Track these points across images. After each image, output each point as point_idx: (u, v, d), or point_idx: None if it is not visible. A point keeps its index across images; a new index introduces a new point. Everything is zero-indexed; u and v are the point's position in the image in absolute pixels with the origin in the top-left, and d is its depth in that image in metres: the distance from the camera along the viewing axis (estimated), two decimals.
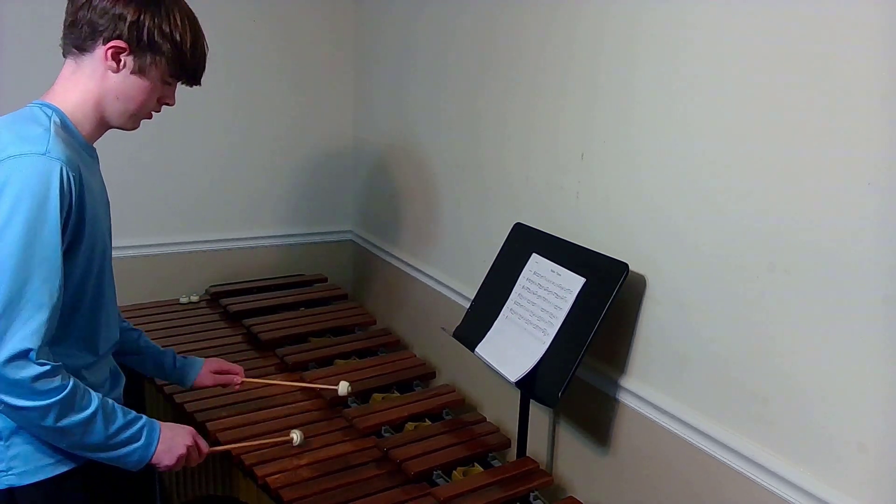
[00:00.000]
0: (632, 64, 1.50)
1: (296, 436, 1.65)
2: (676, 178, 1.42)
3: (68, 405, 1.17)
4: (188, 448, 1.34)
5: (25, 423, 1.19)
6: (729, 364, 1.34)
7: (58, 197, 1.13)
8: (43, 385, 1.14)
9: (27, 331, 1.12)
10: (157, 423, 1.31)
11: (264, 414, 1.81)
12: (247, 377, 1.76)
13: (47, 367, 1.14)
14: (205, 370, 1.68)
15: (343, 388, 1.76)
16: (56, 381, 1.16)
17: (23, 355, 1.12)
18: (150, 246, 2.51)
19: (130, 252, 2.46)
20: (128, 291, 2.34)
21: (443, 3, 2.16)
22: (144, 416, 1.29)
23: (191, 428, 1.38)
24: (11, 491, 1.24)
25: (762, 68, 1.24)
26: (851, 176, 1.11)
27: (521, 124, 1.86)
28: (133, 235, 2.46)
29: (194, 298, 2.49)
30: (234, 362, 2.07)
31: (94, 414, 1.20)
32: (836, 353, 1.16)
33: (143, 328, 2.22)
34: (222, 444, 1.64)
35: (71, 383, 1.18)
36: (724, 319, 1.35)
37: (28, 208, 1.12)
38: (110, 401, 1.25)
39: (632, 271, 1.49)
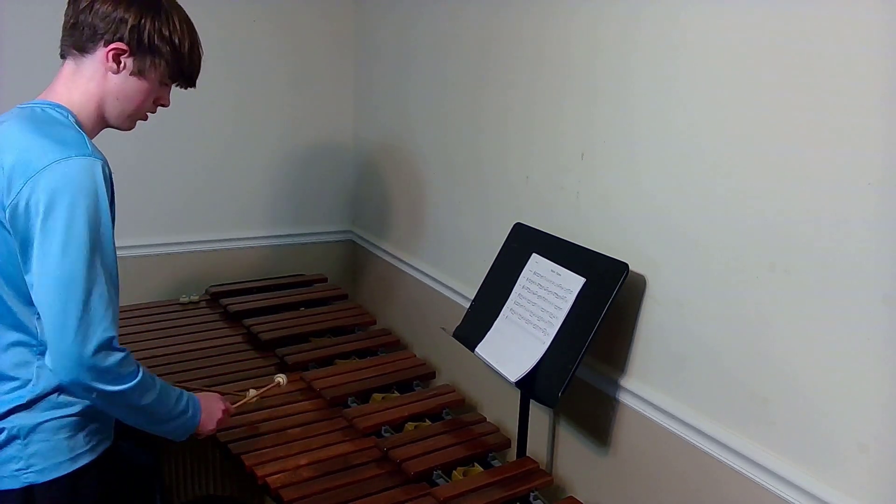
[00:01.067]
0: (631, 64, 1.50)
1: (280, 379, 1.82)
2: (677, 178, 1.42)
3: (148, 383, 1.29)
4: (224, 412, 1.51)
5: (116, 407, 1.28)
6: (729, 364, 1.34)
7: (105, 193, 1.21)
8: (126, 368, 1.25)
9: (107, 321, 1.21)
10: (193, 395, 1.45)
11: (264, 414, 1.81)
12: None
13: (126, 352, 1.25)
14: None
15: (282, 380, 1.85)
16: (133, 363, 1.27)
17: (107, 344, 1.21)
18: (150, 246, 2.51)
19: (130, 252, 2.45)
20: (128, 291, 2.34)
21: (442, 3, 2.15)
22: (181, 390, 1.41)
23: (217, 394, 1.56)
24: (31, 488, 1.27)
25: (762, 68, 1.24)
26: (851, 176, 1.11)
27: (521, 124, 1.86)
28: (133, 235, 2.46)
29: (194, 298, 2.49)
30: (234, 362, 2.10)
31: (161, 390, 1.33)
32: (836, 353, 1.16)
33: (143, 328, 2.24)
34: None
35: (139, 365, 1.28)
36: (724, 319, 1.35)
37: (86, 207, 1.18)
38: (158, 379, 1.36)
39: (632, 271, 1.49)
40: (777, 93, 1.22)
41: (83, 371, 1.19)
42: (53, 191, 1.16)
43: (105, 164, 1.23)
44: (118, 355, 1.22)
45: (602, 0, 1.56)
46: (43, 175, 1.16)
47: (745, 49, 1.27)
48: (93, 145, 1.24)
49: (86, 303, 1.18)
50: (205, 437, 1.49)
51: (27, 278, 1.21)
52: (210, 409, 1.47)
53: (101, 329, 1.19)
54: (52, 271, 1.17)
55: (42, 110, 1.27)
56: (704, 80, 1.35)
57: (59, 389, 1.27)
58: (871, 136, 1.09)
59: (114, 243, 1.24)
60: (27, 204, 1.17)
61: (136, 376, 1.26)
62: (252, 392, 1.77)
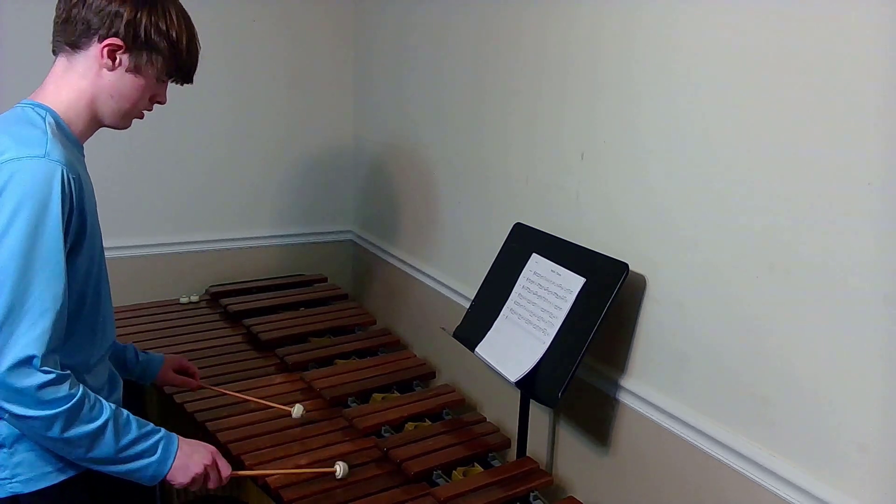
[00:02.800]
0: (632, 64, 1.50)
1: (340, 468, 1.54)
2: (677, 178, 1.42)
3: (75, 415, 1.14)
4: (206, 468, 1.29)
5: (30, 433, 1.16)
6: (729, 364, 1.34)
7: (59, 200, 1.12)
8: (48, 394, 1.11)
9: (30, 337, 1.09)
10: (177, 437, 1.28)
11: (265, 413, 1.81)
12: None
13: (52, 376, 1.11)
14: (167, 366, 1.65)
15: (297, 411, 1.75)
16: (62, 391, 1.13)
17: (26, 362, 1.09)
18: (150, 246, 2.51)
19: (130, 252, 2.46)
20: (128, 291, 2.35)
21: (442, 3, 2.15)
22: (163, 430, 1.26)
23: (212, 447, 1.33)
24: (16, 498, 1.23)
25: (762, 68, 1.24)
26: (851, 176, 1.11)
27: (522, 124, 1.86)
28: (133, 235, 2.46)
29: (194, 298, 2.49)
30: (234, 362, 2.09)
31: (103, 425, 1.17)
32: (836, 353, 1.16)
33: (143, 328, 2.24)
34: (248, 469, 1.58)
35: (80, 393, 1.15)
36: (724, 319, 1.35)
37: (29, 212, 1.10)
38: (126, 412, 1.22)
39: (632, 271, 1.49)
40: (777, 93, 1.22)
41: None
42: (0, 189, 1.10)
43: (67, 169, 1.13)
44: (39, 377, 1.10)
45: (603, 1, 1.56)
46: None
47: (745, 50, 1.27)
48: (57, 148, 1.15)
49: (7, 315, 1.08)
50: (178, 488, 1.30)
51: None
52: (189, 458, 1.27)
53: (21, 345, 1.08)
54: None
55: (23, 110, 1.22)
56: (705, 81, 1.35)
57: None
58: (871, 136, 1.08)
59: (62, 255, 1.13)
60: None
61: (63, 404, 1.12)
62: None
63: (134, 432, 1.21)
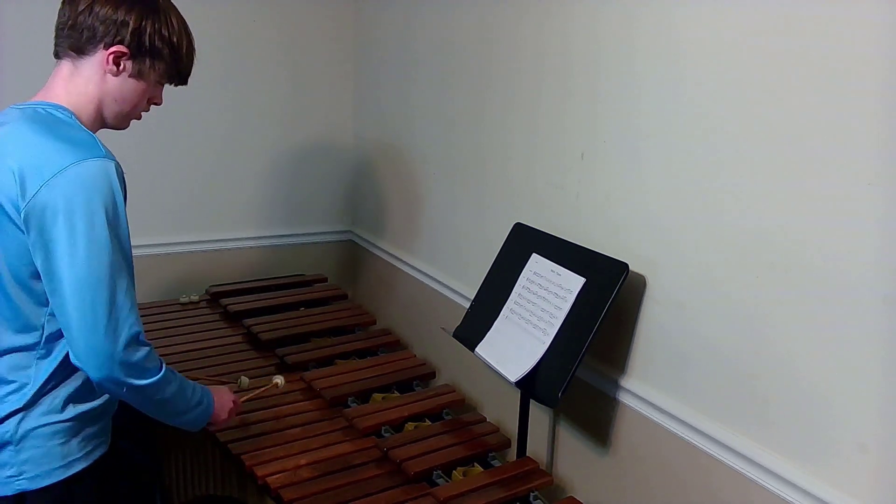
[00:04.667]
0: (632, 64, 1.50)
1: (278, 380, 1.84)
2: (677, 178, 1.42)
3: (170, 377, 1.31)
4: (235, 402, 1.54)
5: (143, 401, 1.30)
6: (729, 364, 1.34)
7: (121, 193, 1.24)
8: (151, 362, 1.27)
9: (133, 317, 1.23)
10: (205, 386, 1.47)
11: (265, 413, 1.81)
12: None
13: (150, 346, 1.27)
14: None
15: (279, 380, 1.87)
16: (156, 358, 1.29)
17: (135, 339, 1.23)
18: (150, 246, 2.51)
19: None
20: None
21: (443, 2, 2.15)
22: (195, 383, 1.43)
23: (226, 387, 1.61)
24: (23, 495, 1.25)
25: (762, 69, 1.24)
26: (851, 176, 1.11)
27: (522, 124, 1.86)
28: (133, 235, 2.42)
29: (194, 298, 2.49)
30: (234, 362, 2.09)
31: (180, 382, 1.35)
32: (836, 353, 1.16)
33: (143, 328, 2.24)
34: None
35: (160, 358, 1.31)
36: (724, 319, 1.35)
37: (105, 210, 1.19)
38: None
39: (632, 271, 1.49)
40: (777, 93, 1.22)
41: (115, 366, 1.20)
42: (72, 194, 1.17)
43: (117, 164, 1.24)
44: (145, 349, 1.25)
45: (603, 0, 1.56)
46: (60, 178, 1.16)
47: (745, 50, 1.27)
48: (104, 146, 1.24)
49: (112, 301, 1.20)
50: (217, 427, 1.54)
51: (43, 279, 1.20)
52: (222, 400, 1.50)
53: (129, 325, 1.22)
54: (78, 273, 1.18)
55: (45, 111, 1.25)
56: (705, 81, 1.35)
57: (54, 390, 1.26)
58: (871, 136, 1.09)
59: (130, 242, 1.27)
60: (44, 207, 1.16)
61: (161, 370, 1.29)
62: (244, 380, 1.84)
63: (188, 384, 1.39)
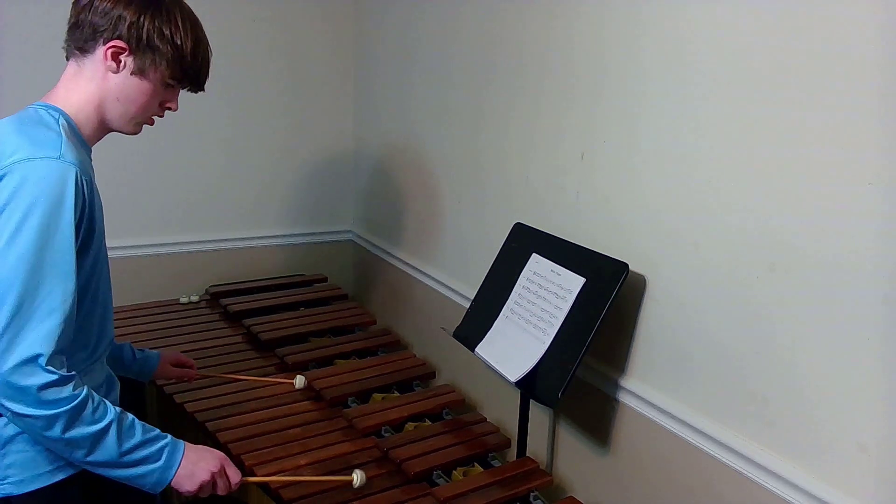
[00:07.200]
0: (632, 64, 1.50)
1: (357, 477, 1.49)
2: (677, 178, 1.42)
3: (76, 416, 1.13)
4: (213, 475, 1.27)
5: (30, 432, 1.16)
6: (729, 364, 1.34)
7: (73, 201, 1.13)
8: (50, 394, 1.10)
9: (37, 335, 1.10)
10: (183, 444, 1.26)
11: (265, 413, 1.81)
12: (226, 374, 1.86)
13: (55, 376, 1.11)
14: (164, 362, 1.67)
15: (299, 381, 1.88)
16: (66, 391, 1.12)
17: (32, 361, 1.09)
18: (150, 246, 2.51)
19: (130, 252, 2.46)
20: (128, 291, 2.35)
21: (443, 3, 2.15)
22: (169, 437, 1.24)
23: (221, 454, 1.31)
24: (9, 500, 1.22)
25: (762, 68, 1.24)
26: (851, 176, 1.11)
27: (522, 124, 1.86)
28: (133, 235, 2.46)
29: (194, 298, 2.49)
30: (234, 362, 2.10)
31: (106, 428, 1.15)
32: (836, 353, 1.16)
33: (143, 328, 2.24)
34: (258, 476, 1.54)
35: (83, 394, 1.14)
36: (724, 319, 1.35)
37: (42, 212, 1.11)
38: (131, 417, 1.21)
39: (632, 271, 1.49)
40: (777, 92, 1.22)
41: None
42: (14, 189, 1.11)
43: (80, 172, 1.15)
44: (43, 377, 1.09)
45: (605, 1, 1.56)
46: (8, 172, 1.12)
47: (746, 50, 1.27)
48: (70, 150, 1.17)
49: (16, 312, 1.09)
50: (185, 495, 1.28)
51: None
52: (195, 466, 1.25)
53: (28, 343, 1.09)
54: None
55: (35, 111, 1.24)
56: (705, 81, 1.35)
57: None
58: (871, 136, 1.09)
59: (73, 255, 1.14)
60: None
61: (65, 405, 1.11)
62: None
63: (138, 437, 1.19)
